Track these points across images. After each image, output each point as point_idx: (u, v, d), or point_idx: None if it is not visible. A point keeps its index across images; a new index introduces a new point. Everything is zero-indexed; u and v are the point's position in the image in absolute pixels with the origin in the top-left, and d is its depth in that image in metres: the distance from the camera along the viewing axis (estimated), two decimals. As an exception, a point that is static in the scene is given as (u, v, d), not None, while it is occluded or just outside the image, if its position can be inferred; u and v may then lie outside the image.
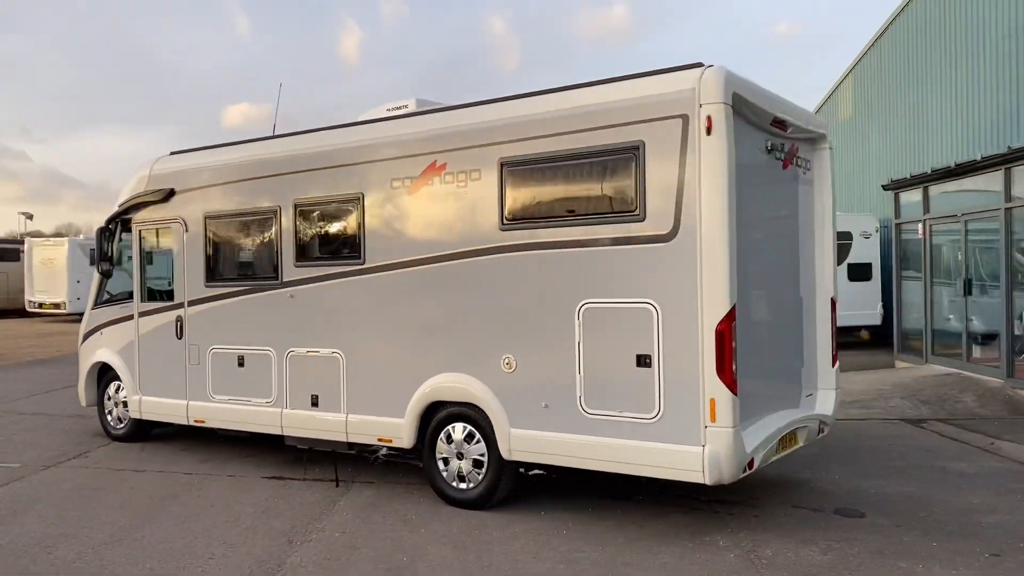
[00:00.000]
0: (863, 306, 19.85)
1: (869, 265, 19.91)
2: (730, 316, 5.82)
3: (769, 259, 7.01)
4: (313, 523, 6.70)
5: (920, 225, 14.84)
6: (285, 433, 8.17)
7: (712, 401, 5.83)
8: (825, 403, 7.53)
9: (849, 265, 19.93)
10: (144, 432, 9.76)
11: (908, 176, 15.24)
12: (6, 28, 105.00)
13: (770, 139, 6.82)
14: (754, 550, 5.94)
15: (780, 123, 6.83)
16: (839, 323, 19.51)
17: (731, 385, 5.81)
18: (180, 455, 9.13)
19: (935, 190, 14.58)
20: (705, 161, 5.85)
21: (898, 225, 15.87)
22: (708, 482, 5.85)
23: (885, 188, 16.07)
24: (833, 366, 7.62)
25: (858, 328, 20.77)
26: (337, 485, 7.80)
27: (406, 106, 7.99)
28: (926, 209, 14.75)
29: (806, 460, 8.40)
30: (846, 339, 21.50)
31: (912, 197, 15.37)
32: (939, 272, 14.60)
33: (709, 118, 5.83)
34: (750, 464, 6.07)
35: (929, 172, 14.39)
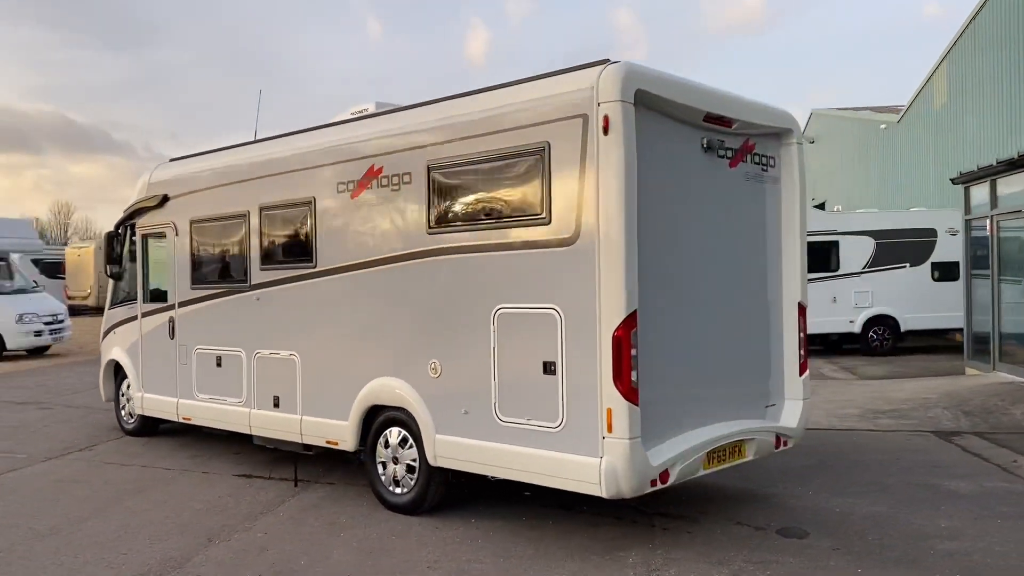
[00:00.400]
0: (950, 307, 18.29)
1: (956, 264, 18.41)
2: (629, 323, 5.55)
3: (712, 262, 6.63)
4: (246, 522, 6.83)
5: (988, 221, 13.76)
6: (253, 432, 8.37)
7: (609, 411, 5.59)
8: (789, 414, 7.09)
9: (933, 264, 18.65)
10: (152, 427, 10.19)
11: (976, 168, 14.13)
12: (159, 43, 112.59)
13: (707, 136, 6.46)
14: (661, 568, 5.65)
15: (718, 119, 6.47)
16: (929, 325, 18.77)
17: (629, 395, 5.55)
18: (175, 451, 9.50)
19: (1004, 183, 13.46)
20: (603, 162, 5.61)
21: (968, 221, 14.75)
22: (605, 495, 5.61)
23: (954, 182, 14.97)
24: (801, 375, 7.16)
25: (945, 331, 19.39)
26: (296, 485, 7.93)
27: (366, 109, 8.03)
28: (994, 204, 13.65)
29: (787, 473, 7.96)
30: (934, 343, 20.27)
31: (983, 191, 14.24)
32: (1007, 272, 13.47)
33: (606, 117, 5.58)
34: (662, 478, 5.79)
35: (995, 164, 13.30)
